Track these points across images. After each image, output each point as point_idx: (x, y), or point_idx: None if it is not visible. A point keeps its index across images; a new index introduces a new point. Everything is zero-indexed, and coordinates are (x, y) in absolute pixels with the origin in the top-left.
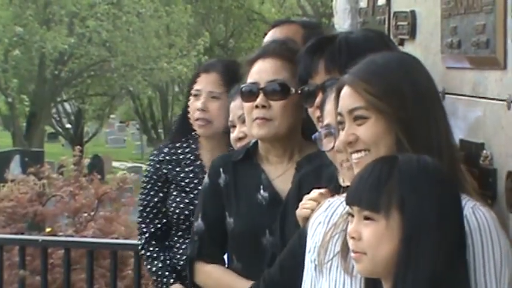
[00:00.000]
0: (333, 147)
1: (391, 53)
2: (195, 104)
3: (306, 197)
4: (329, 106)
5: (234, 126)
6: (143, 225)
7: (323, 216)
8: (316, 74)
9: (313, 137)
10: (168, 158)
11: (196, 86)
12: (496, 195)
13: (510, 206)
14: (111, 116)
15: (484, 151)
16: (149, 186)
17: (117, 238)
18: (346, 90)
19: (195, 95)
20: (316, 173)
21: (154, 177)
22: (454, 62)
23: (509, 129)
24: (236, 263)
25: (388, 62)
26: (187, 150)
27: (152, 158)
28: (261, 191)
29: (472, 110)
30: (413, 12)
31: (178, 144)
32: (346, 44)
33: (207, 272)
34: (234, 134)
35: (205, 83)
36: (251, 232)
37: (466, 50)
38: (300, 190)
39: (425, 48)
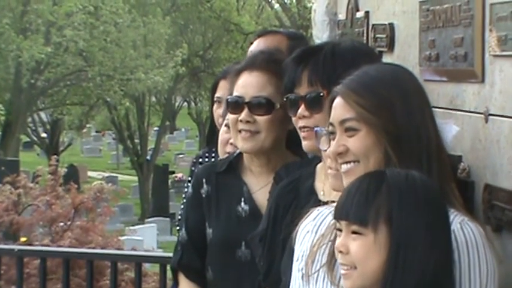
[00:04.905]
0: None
1: (385, 66)
2: (218, 111)
3: None
4: None
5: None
6: None
7: (311, 225)
8: (300, 85)
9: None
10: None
11: (217, 94)
12: (474, 207)
13: (487, 218)
14: (87, 125)
15: (462, 164)
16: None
17: (93, 248)
18: (338, 101)
19: (218, 102)
20: (294, 187)
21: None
22: (432, 75)
23: (487, 142)
24: (209, 273)
25: (380, 74)
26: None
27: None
28: (242, 204)
29: (449, 123)
30: (391, 25)
31: (214, 149)
32: (331, 57)
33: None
34: (224, 136)
35: (225, 89)
36: (227, 243)
37: (444, 63)
38: (277, 208)
39: (403, 60)
